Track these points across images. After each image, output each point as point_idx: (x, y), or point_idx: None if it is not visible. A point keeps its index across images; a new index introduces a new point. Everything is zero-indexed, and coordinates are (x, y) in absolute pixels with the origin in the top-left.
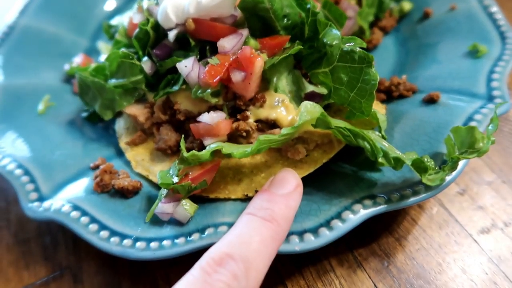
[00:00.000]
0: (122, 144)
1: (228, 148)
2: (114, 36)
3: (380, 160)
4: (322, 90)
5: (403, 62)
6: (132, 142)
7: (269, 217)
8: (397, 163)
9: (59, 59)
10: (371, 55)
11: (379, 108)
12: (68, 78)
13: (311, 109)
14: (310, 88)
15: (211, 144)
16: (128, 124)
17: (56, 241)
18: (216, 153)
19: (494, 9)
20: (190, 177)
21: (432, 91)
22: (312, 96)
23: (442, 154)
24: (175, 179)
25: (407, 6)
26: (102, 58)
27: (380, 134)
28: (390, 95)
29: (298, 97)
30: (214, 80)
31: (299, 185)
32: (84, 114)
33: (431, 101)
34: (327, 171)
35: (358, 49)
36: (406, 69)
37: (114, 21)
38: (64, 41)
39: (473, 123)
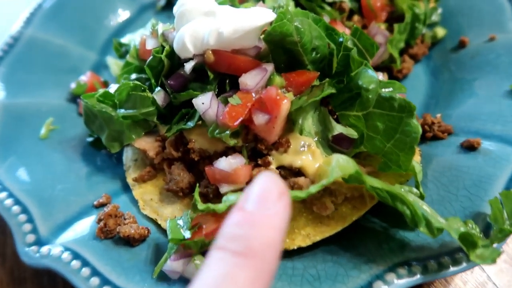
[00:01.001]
0: (130, 180)
1: None
2: (124, 55)
3: (421, 229)
4: (352, 133)
5: (436, 94)
6: (140, 179)
7: (245, 249)
8: (440, 232)
9: (65, 74)
10: (413, 104)
11: None
12: (74, 97)
13: (343, 165)
14: (338, 129)
15: (229, 196)
16: (136, 155)
17: (55, 282)
18: None
19: None
20: (203, 232)
21: (470, 134)
22: (341, 139)
23: (484, 215)
24: (187, 234)
25: (440, 32)
26: (112, 88)
27: (418, 192)
28: (423, 135)
29: (325, 139)
30: (235, 123)
31: (283, 193)
32: (89, 139)
33: (470, 148)
34: (354, 226)
35: (398, 95)
36: (439, 103)
37: (124, 40)
38: (71, 55)
39: None
